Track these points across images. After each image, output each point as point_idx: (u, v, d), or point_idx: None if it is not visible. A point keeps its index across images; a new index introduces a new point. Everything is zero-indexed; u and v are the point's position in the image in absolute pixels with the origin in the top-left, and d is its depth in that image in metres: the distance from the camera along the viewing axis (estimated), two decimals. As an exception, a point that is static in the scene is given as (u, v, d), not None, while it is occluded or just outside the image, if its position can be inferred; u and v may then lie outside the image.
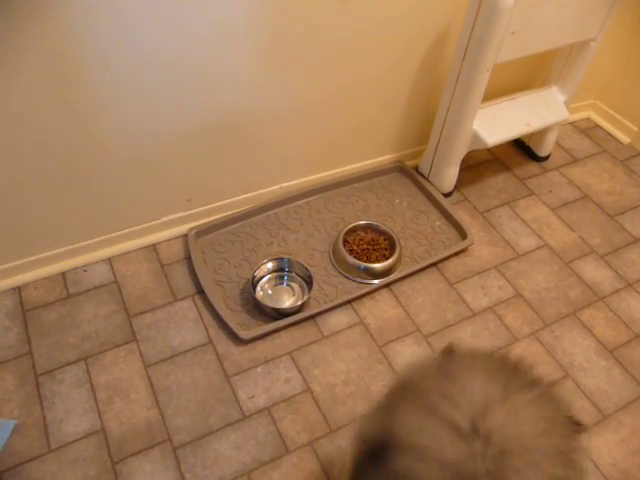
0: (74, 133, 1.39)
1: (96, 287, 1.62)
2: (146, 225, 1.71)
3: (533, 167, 2.14)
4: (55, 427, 1.35)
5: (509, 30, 1.52)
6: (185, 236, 1.74)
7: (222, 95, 1.51)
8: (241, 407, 1.41)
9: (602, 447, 1.40)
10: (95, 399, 1.40)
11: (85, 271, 1.65)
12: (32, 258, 1.60)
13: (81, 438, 1.33)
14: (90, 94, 1.33)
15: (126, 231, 1.69)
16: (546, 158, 2.16)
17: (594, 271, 1.80)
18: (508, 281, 1.74)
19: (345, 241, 1.75)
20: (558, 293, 1.72)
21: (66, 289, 1.61)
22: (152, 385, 1.43)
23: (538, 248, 1.85)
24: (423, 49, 1.71)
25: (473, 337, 1.59)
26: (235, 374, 1.46)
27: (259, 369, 1.48)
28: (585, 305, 1.70)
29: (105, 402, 1.39)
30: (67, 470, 1.28)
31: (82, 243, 1.64)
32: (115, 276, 1.65)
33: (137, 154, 1.52)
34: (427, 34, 1.68)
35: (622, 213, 2.00)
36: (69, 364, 1.46)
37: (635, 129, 2.25)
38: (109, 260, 1.68)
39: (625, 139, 2.29)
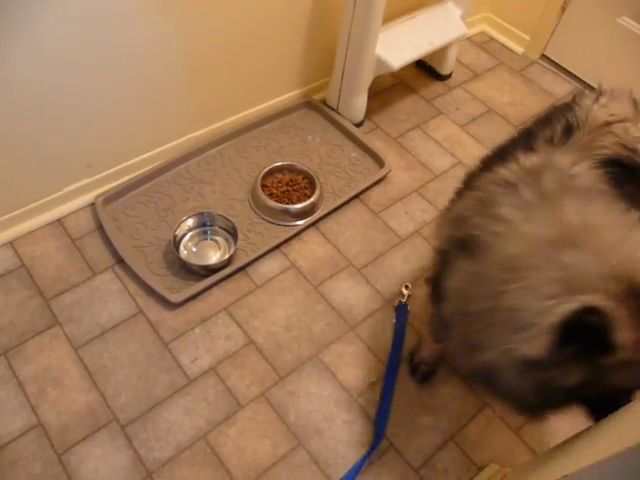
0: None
1: (1, 275, 1.47)
2: (47, 199, 1.56)
3: (437, 87, 2.15)
4: (-15, 431, 1.24)
5: (401, -56, 1.47)
6: (92, 205, 1.61)
7: (112, 30, 1.36)
8: (185, 372, 1.36)
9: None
10: (25, 394, 1.30)
11: (-15, 259, 1.50)
12: None
13: (17, 437, 1.24)
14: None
15: (25, 208, 1.53)
16: (449, 76, 2.17)
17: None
18: (430, 202, 1.76)
19: (263, 186, 1.69)
20: (477, 207, 1.77)
21: (-34, 282, 1.45)
22: (86, 367, 1.35)
23: (453, 166, 1.88)
24: (315, -27, 1.63)
25: (404, 262, 1.61)
26: (173, 340, 1.41)
27: (197, 330, 1.43)
28: (503, 215, 1.76)
29: (37, 394, 1.30)
30: (8, 473, 1.19)
31: (-25, 229, 1.48)
32: (21, 259, 1.50)
33: (23, 124, 1.36)
34: (317, -44, 1.59)
35: (525, 122, 2.05)
36: (-13, 362, 1.34)
37: (527, 38, 2.30)
38: (11, 244, 1.53)
39: (519, 49, 2.33)
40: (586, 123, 1.00)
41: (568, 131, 1.00)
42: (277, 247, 1.60)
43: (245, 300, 1.49)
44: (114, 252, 1.53)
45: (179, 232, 1.55)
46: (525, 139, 1.05)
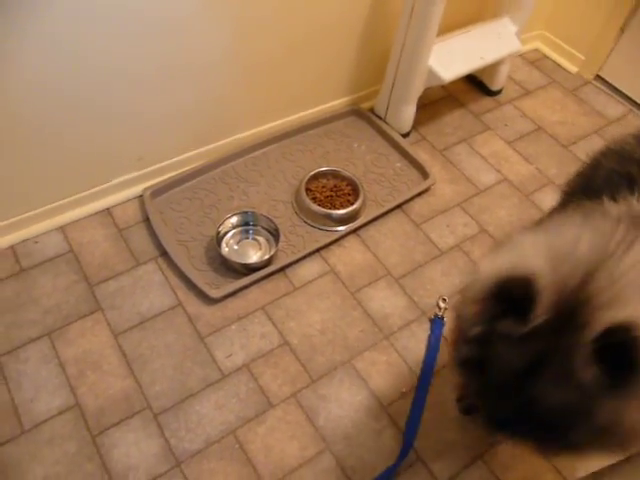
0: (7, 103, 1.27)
1: (51, 258, 1.52)
2: (97, 189, 1.61)
3: (487, 102, 2.13)
4: (25, 407, 1.29)
5: (462, -42, 1.47)
6: (140, 197, 1.65)
7: (170, 41, 1.40)
8: (219, 367, 1.38)
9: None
10: (65, 374, 1.34)
11: (36, 242, 1.55)
12: (-24, 233, 1.49)
13: (55, 416, 1.28)
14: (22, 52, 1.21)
15: (76, 197, 1.58)
16: (499, 92, 2.15)
17: (553, 201, 1.82)
18: (472, 217, 1.75)
19: (308, 189, 1.71)
20: (522, 225, 1.75)
21: (18, 263, 1.51)
22: (124, 354, 1.38)
23: (498, 183, 1.86)
24: (374, -17, 1.64)
25: (443, 275, 1.60)
26: (209, 334, 1.43)
27: (233, 327, 1.45)
28: (547, 235, 1.73)
29: (76, 376, 1.34)
30: (45, 449, 1.23)
31: (30, 213, 1.54)
32: (70, 245, 1.56)
33: (79, 115, 1.41)
34: (377, -33, 1.61)
35: (575, 142, 2.02)
36: (32, 341, 1.38)
37: (582, 58, 2.26)
38: (62, 229, 1.58)
39: (573, 68, 2.30)
40: None
41: None
42: (317, 251, 1.61)
43: (282, 301, 1.51)
44: (158, 244, 1.56)
45: (222, 229, 1.58)
46: (630, 179, 0.93)
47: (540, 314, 0.68)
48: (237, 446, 1.27)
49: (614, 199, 0.87)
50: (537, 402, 0.69)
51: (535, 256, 0.73)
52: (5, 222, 1.51)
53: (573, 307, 0.68)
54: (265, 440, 1.29)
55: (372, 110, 1.97)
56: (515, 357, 0.70)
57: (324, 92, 1.89)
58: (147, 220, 1.61)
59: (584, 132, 2.06)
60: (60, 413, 1.28)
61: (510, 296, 0.70)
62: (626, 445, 0.75)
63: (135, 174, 1.65)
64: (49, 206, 1.56)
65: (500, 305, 0.71)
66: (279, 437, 1.29)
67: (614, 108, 2.16)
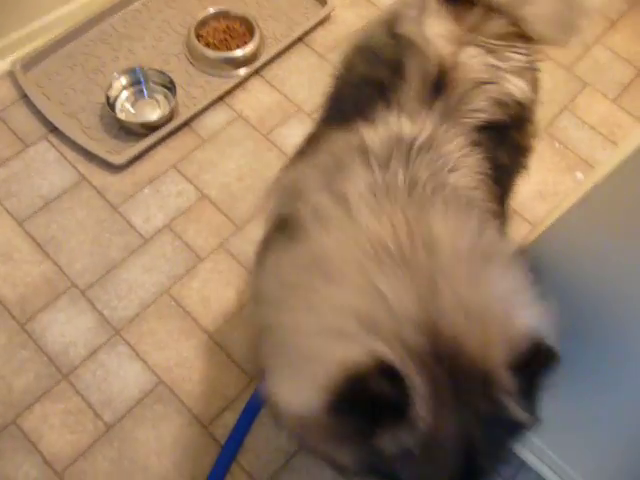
0: None
1: None
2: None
3: None
4: (-61, 310, 1.21)
5: None
6: (11, 72, 1.47)
7: None
8: (139, 232, 1.32)
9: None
10: (-26, 271, 1.25)
11: None
12: None
13: (-26, 313, 1.21)
14: None
15: None
16: None
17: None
18: (378, 39, 1.66)
19: (199, 36, 1.56)
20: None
21: None
22: (34, 239, 1.30)
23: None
24: None
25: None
26: (122, 203, 1.35)
27: (146, 190, 1.37)
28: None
29: (-13, 271, 1.26)
30: (-28, 347, 1.18)
31: None
32: (-57, 139, 1.39)
33: None
34: None
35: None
36: None
37: None
38: None
39: None
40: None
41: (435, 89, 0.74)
42: (221, 99, 1.50)
43: (193, 155, 1.42)
44: (45, 121, 1.42)
45: (112, 92, 1.44)
46: (383, 88, 0.77)
47: (420, 402, 0.51)
48: (173, 303, 1.25)
49: (370, 120, 0.72)
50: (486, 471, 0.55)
51: (352, 341, 0.53)
52: None
53: (450, 368, 0.52)
54: (201, 292, 1.27)
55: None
56: (440, 470, 0.53)
57: None
58: (25, 97, 1.45)
59: None
60: (-22, 309, 1.21)
61: (374, 403, 0.50)
62: None
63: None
64: None
65: (361, 419, 0.51)
66: (214, 287, 1.28)
67: None
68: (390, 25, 0.82)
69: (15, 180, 1.36)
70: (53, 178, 1.37)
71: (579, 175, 1.48)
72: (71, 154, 1.40)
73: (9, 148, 1.39)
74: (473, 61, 0.76)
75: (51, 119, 1.41)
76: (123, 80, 1.46)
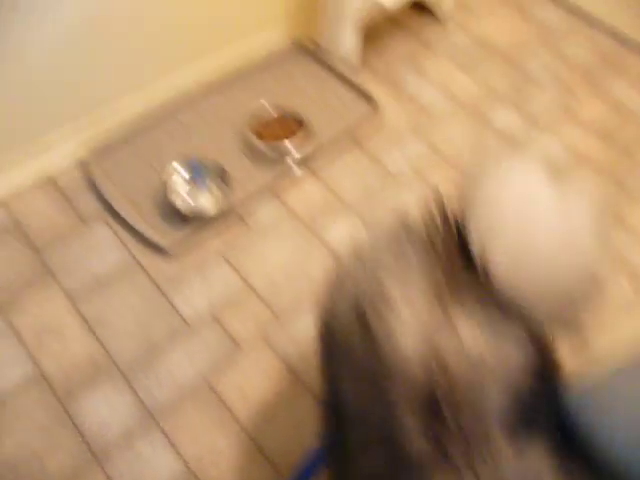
0: None
1: (-7, 231, 1.45)
2: (34, 150, 1.52)
3: (434, 27, 2.07)
4: (-13, 383, 1.25)
5: None
6: (81, 158, 1.57)
7: None
8: (184, 318, 1.35)
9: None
10: (25, 346, 1.29)
11: (-25, 216, 1.47)
12: None
13: (20, 388, 1.24)
14: None
15: (12, 158, 1.49)
16: (446, 17, 2.08)
17: (506, 117, 1.81)
18: (424, 141, 1.73)
19: (253, 129, 1.65)
20: (475, 145, 1.73)
21: (-42, 239, 1.43)
22: (84, 317, 1.34)
23: (447, 104, 1.83)
24: None
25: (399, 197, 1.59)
26: (169, 287, 1.40)
27: (193, 276, 1.41)
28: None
29: (37, 347, 1.30)
30: (15, 423, 1.20)
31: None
32: (14, 217, 1.48)
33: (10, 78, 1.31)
34: None
35: (525, 61, 2.00)
36: (-16, 317, 1.33)
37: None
38: (3, 203, 1.50)
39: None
40: None
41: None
42: (272, 192, 1.57)
43: (241, 245, 1.47)
44: (105, 202, 1.50)
45: (170, 179, 1.52)
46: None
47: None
48: (211, 392, 1.26)
49: None
50: None
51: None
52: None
53: None
54: (240, 385, 1.28)
55: (312, 41, 1.90)
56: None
57: (258, 19, 1.80)
58: (90, 179, 1.54)
59: (534, 49, 2.03)
60: (25, 385, 1.24)
61: None
62: None
63: (70, 127, 1.56)
64: (-17, 176, 1.47)
65: None
66: (253, 380, 1.29)
67: (559, 17, 2.13)
68: (356, 307, 0.70)
69: (72, 258, 1.42)
70: (107, 258, 1.43)
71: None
72: (126, 236, 1.46)
73: (70, 227, 1.47)
74: (463, 355, 0.63)
75: (111, 201, 1.49)
76: (180, 168, 1.54)
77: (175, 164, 1.53)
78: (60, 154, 1.57)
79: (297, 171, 1.60)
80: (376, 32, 2.00)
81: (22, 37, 1.30)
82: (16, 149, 1.49)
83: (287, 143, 1.60)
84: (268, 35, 1.86)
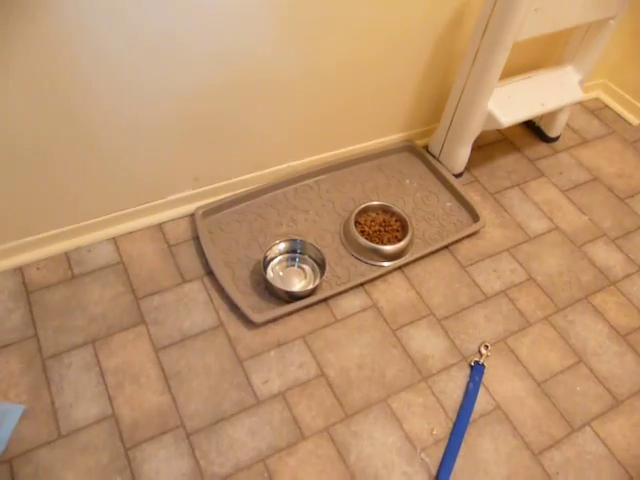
0: (71, 114, 1.32)
1: (101, 268, 1.57)
2: (152, 204, 1.65)
3: (543, 148, 2.11)
4: (64, 412, 1.31)
5: (532, 7, 1.47)
6: (192, 215, 1.69)
7: (225, 70, 1.44)
8: (255, 392, 1.38)
9: (616, 432, 1.40)
10: (105, 383, 1.36)
11: (89, 251, 1.60)
12: (33, 237, 1.54)
13: (92, 424, 1.30)
14: (82, 77, 1.27)
15: (131, 210, 1.63)
16: (556, 139, 2.13)
17: (605, 255, 1.78)
18: (520, 264, 1.72)
19: (356, 222, 1.71)
20: (570, 277, 1.71)
21: (70, 270, 1.55)
22: (163, 369, 1.40)
23: (549, 231, 1.83)
24: (440, 25, 1.66)
25: (486, 321, 1.57)
26: (248, 358, 1.43)
27: (272, 353, 1.45)
28: (597, 289, 1.69)
29: (115, 387, 1.36)
30: (78, 457, 1.25)
31: (85, 222, 1.59)
32: (121, 256, 1.60)
33: (139, 134, 1.46)
34: (445, 10, 1.62)
35: (632, 196, 1.98)
36: (76, 347, 1.41)
37: (645, 110, 2.22)
38: (114, 240, 1.63)
39: (634, 120, 2.26)
40: None
41: None
42: (361, 285, 1.60)
43: (323, 332, 1.50)
44: (205, 263, 1.59)
45: (269, 254, 1.60)
46: None
47: None
48: (266, 475, 1.26)
49: None
50: None
51: None
52: (61, 229, 1.56)
53: None
54: (294, 472, 1.27)
55: (427, 148, 1.98)
56: None
57: (380, 126, 1.91)
58: (196, 238, 1.64)
59: (642, 187, 2.01)
60: (97, 422, 1.30)
61: None
62: None
63: (189, 192, 1.69)
64: (104, 217, 1.60)
65: None
66: (309, 470, 1.27)
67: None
68: None
69: (164, 309, 1.50)
70: (196, 317, 1.50)
71: None
72: (218, 300, 1.53)
73: (170, 279, 1.56)
74: None
75: (211, 263, 1.57)
76: (282, 246, 1.62)
77: (278, 241, 1.61)
78: (175, 212, 1.70)
79: (388, 269, 1.63)
80: (485, 145, 2.06)
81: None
82: (139, 203, 1.64)
83: (387, 247, 1.64)
84: (388, 139, 1.96)
